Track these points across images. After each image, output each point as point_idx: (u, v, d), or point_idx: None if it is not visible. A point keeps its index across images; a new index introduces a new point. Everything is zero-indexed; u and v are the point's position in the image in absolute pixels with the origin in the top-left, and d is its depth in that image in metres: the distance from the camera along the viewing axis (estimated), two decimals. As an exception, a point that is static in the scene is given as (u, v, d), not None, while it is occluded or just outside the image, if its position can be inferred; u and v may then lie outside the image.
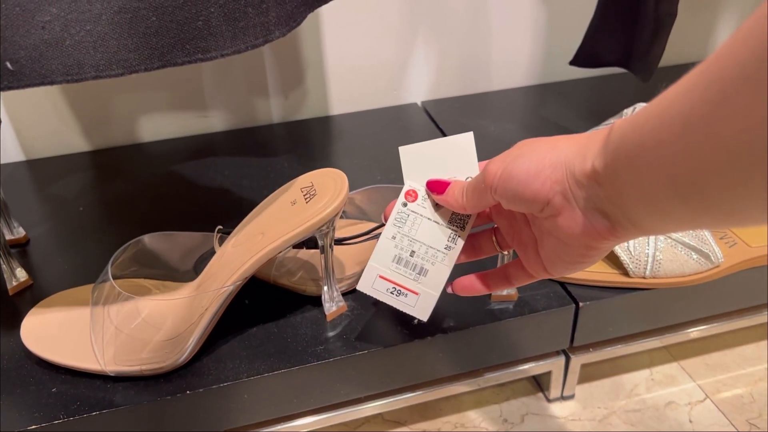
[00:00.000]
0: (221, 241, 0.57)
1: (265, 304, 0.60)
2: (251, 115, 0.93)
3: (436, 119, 0.92)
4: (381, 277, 0.48)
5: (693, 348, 0.73)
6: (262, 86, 0.91)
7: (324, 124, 0.94)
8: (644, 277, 0.60)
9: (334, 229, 0.53)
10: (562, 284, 0.62)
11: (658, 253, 0.60)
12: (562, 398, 0.68)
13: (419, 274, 0.48)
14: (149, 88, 0.87)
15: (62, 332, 0.55)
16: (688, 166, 0.27)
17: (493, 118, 0.92)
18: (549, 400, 0.68)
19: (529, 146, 0.38)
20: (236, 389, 0.54)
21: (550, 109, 0.95)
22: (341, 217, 0.64)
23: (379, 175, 0.78)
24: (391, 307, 0.49)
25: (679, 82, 0.28)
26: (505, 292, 0.60)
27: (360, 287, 0.49)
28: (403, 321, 0.58)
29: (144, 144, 0.90)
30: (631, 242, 0.60)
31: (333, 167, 0.54)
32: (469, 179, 0.45)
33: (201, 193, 0.78)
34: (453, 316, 0.59)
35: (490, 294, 0.60)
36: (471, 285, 0.48)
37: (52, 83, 0.40)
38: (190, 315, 0.53)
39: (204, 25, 0.39)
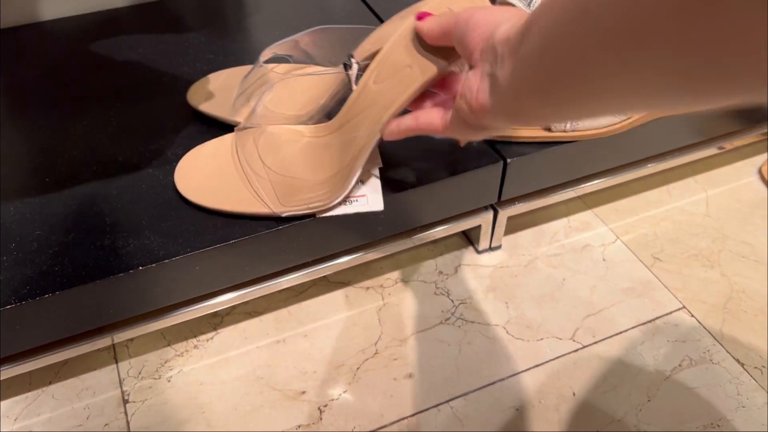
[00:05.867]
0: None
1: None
2: (157, -12, 0.88)
3: (354, -14, 0.89)
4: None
5: (604, 197, 0.80)
6: (166, -45, 0.86)
7: (237, -5, 0.90)
8: (565, 131, 0.64)
9: None
10: (490, 142, 0.65)
11: (577, 108, 0.64)
12: (491, 249, 0.73)
13: None
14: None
15: (215, 181, 0.58)
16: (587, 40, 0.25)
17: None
18: (479, 252, 0.73)
19: (495, 7, 0.40)
20: (189, 260, 0.55)
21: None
22: (288, 62, 0.63)
23: (302, 46, 0.77)
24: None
25: None
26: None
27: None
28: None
29: (44, 23, 0.84)
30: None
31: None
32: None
33: (118, 73, 0.74)
34: (387, 182, 0.61)
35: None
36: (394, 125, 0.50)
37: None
38: (343, 155, 0.54)
39: None
